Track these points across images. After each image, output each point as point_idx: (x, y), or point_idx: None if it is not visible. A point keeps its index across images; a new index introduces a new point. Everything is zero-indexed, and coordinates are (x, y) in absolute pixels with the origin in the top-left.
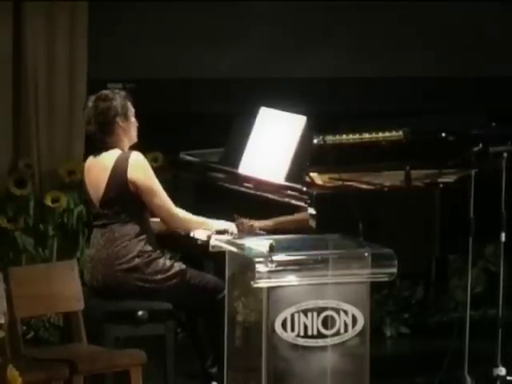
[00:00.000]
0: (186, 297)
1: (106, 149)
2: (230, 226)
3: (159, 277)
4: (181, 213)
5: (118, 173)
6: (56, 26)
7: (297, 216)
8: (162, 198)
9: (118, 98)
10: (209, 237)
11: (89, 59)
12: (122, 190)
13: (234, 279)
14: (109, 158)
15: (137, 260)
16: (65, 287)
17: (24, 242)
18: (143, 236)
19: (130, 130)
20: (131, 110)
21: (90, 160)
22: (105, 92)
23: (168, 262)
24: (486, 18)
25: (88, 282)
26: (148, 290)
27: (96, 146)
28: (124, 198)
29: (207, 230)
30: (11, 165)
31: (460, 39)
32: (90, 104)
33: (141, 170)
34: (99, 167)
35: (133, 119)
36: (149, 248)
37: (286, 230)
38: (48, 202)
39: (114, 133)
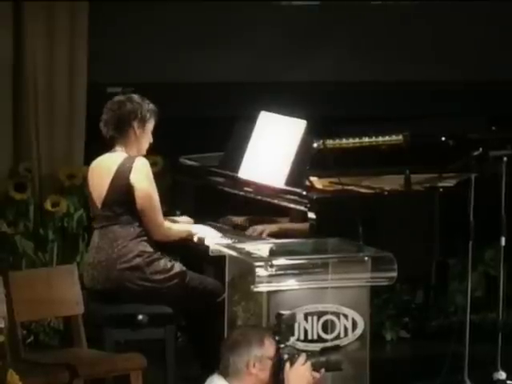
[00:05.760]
0: (185, 299)
1: (113, 149)
2: (210, 232)
3: (159, 277)
4: (166, 226)
5: (122, 175)
6: (56, 28)
7: (303, 225)
8: (155, 208)
9: (144, 106)
10: (200, 239)
11: (89, 62)
12: (124, 192)
13: (234, 283)
14: (114, 160)
15: (138, 259)
16: (65, 291)
17: (24, 246)
18: (144, 238)
19: (142, 140)
20: (151, 122)
21: (95, 162)
22: (136, 96)
23: (168, 263)
24: (485, 19)
25: (88, 285)
26: (148, 289)
27: (105, 142)
28: (126, 200)
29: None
30: (11, 169)
31: (460, 42)
32: (117, 99)
33: (143, 174)
34: (104, 169)
35: (149, 132)
36: (149, 249)
37: (287, 235)
38: (48, 206)
39: (126, 135)
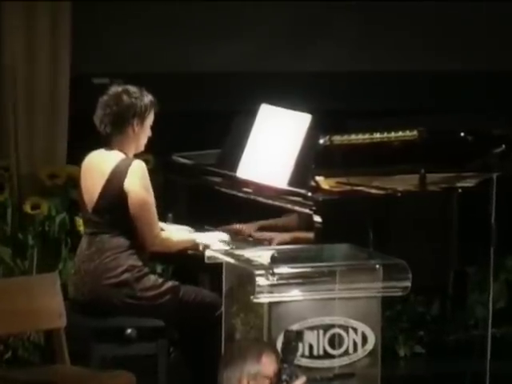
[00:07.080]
0: (179, 315)
1: (110, 147)
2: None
3: (150, 293)
4: (163, 236)
5: (116, 179)
6: (37, 16)
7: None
8: (150, 217)
9: (143, 100)
10: (202, 248)
11: (72, 53)
12: (117, 198)
13: (232, 294)
14: (109, 160)
15: (126, 274)
16: (46, 302)
17: (1, 252)
18: (134, 250)
19: (140, 137)
20: (150, 117)
21: (89, 159)
22: (133, 88)
23: (160, 279)
24: (500, 8)
25: (72, 296)
26: (138, 307)
27: (101, 140)
28: (118, 207)
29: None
30: None
31: (476, 32)
32: (113, 92)
33: (139, 178)
34: (97, 169)
35: (147, 127)
36: (140, 263)
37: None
38: (27, 208)
39: (125, 133)
